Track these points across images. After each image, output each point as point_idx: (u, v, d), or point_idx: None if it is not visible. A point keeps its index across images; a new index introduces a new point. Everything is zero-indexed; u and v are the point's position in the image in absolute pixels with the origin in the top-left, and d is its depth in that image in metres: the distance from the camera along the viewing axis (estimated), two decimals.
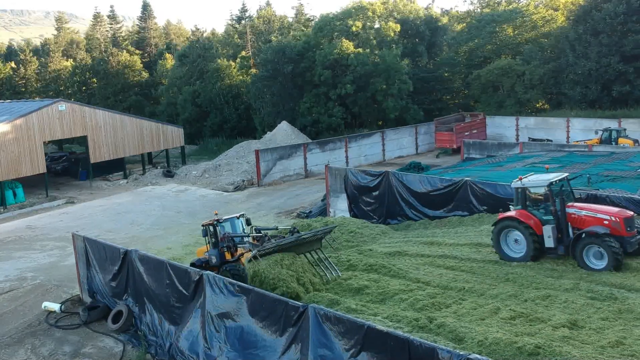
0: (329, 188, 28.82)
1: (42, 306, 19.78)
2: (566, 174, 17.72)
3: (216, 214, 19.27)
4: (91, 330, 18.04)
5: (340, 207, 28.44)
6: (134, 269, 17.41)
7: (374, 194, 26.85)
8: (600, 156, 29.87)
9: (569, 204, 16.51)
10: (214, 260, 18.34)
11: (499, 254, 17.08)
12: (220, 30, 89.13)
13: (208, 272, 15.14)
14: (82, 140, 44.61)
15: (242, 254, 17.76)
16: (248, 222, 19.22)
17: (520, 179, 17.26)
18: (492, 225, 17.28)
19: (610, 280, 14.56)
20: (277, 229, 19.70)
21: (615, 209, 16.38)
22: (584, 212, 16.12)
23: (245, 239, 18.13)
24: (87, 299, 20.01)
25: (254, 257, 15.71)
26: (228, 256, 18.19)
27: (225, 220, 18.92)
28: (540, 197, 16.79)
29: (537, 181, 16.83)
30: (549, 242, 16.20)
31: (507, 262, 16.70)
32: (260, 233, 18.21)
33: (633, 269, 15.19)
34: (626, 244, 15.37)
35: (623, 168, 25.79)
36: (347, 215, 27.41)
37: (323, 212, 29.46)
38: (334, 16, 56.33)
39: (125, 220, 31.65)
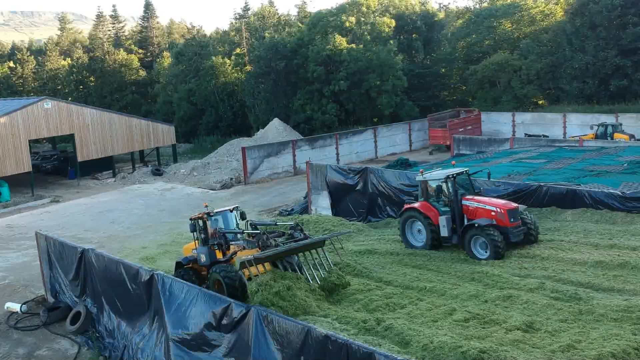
0: (309, 185, 28.21)
1: (5, 307, 19.32)
2: (466, 169, 18.44)
3: (206, 206, 17.12)
4: (49, 331, 17.57)
5: (321, 204, 27.81)
6: (91, 268, 16.91)
7: (354, 190, 26.21)
8: (589, 151, 29.08)
9: (468, 197, 17.30)
10: (202, 259, 16.48)
11: (404, 242, 18.22)
12: (224, 28, 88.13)
13: (159, 271, 14.60)
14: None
15: (235, 253, 15.99)
16: (242, 216, 17.23)
17: (422, 172, 18.56)
18: (398, 216, 18.39)
19: (577, 279, 13.89)
20: (276, 224, 17.68)
21: (502, 202, 17.20)
22: (475, 205, 16.91)
23: (239, 236, 16.14)
24: (51, 299, 19.56)
25: (249, 262, 13.86)
26: (219, 255, 16.30)
27: (217, 213, 16.93)
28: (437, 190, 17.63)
29: (436, 175, 17.82)
30: (444, 232, 17.14)
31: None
32: (257, 229, 16.25)
33: (603, 267, 14.47)
34: (510, 234, 16.23)
35: (610, 163, 25.03)
36: (329, 212, 26.81)
37: (305, 209, 28.85)
38: (327, 12, 55.61)
39: (106, 219, 31.19)
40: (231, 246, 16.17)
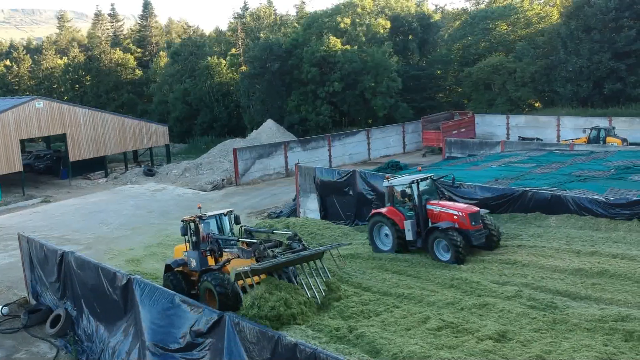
0: (298, 188, 28.13)
1: None
2: (431, 174, 18.87)
3: (199, 208, 16.70)
4: (29, 334, 17.50)
5: (310, 207, 27.73)
6: (71, 271, 16.84)
7: (342, 193, 26.10)
8: (579, 155, 28.98)
9: (433, 201, 17.73)
10: (192, 263, 15.81)
11: (372, 247, 18.40)
12: (223, 28, 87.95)
13: (136, 275, 14.53)
14: None
15: (228, 261, 15.11)
16: (237, 221, 16.43)
17: (388, 178, 18.81)
18: (367, 221, 18.63)
19: (556, 287, 13.80)
20: (272, 232, 16.62)
21: (463, 206, 17.55)
22: (439, 209, 17.33)
23: (234, 243, 15.33)
24: (33, 302, 19.48)
25: (245, 274, 13.24)
26: (211, 261, 15.55)
27: (210, 217, 16.19)
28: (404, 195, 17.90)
29: (401, 181, 18.09)
30: (409, 236, 17.43)
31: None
32: (252, 236, 15.29)
33: (582, 275, 14.38)
34: (471, 236, 16.55)
35: (598, 168, 24.90)
36: (317, 215, 26.72)
37: (294, 212, 28.77)
38: (322, 12, 55.51)
39: (95, 219, 31.13)
40: (224, 253, 15.47)
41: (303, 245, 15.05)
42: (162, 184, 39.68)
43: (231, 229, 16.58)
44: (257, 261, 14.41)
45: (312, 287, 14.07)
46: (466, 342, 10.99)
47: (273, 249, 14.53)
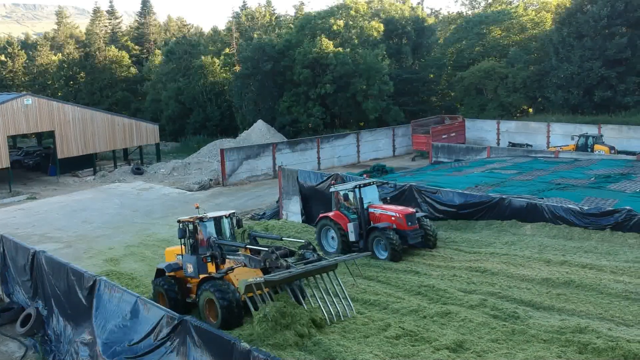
0: (281, 190, 28.11)
1: None
2: (374, 180, 20.68)
3: (197, 208, 15.10)
4: (0, 333, 17.44)
5: (292, 209, 27.70)
6: (42, 270, 16.81)
7: (324, 196, 26.05)
8: (563, 163, 29.01)
9: (375, 205, 18.92)
10: (189, 269, 14.57)
11: (320, 249, 18.98)
12: (221, 27, 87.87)
13: (102, 277, 14.50)
14: None
15: (231, 269, 13.81)
16: (239, 224, 15.24)
17: (333, 184, 20.43)
18: (314, 225, 19.72)
19: (521, 297, 13.82)
20: (281, 239, 15.48)
21: (401, 208, 18.80)
22: (379, 211, 18.56)
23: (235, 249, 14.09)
24: (7, 300, 19.44)
25: (257, 286, 12.09)
26: (211, 268, 14.20)
27: (209, 219, 14.81)
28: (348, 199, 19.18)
29: (345, 186, 19.48)
30: (352, 237, 18.53)
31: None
32: (258, 245, 14.13)
33: (549, 284, 14.39)
34: (408, 236, 17.85)
35: (579, 176, 24.94)
36: (299, 218, 26.69)
37: (277, 214, 28.74)
38: (316, 14, 55.48)
39: (79, 218, 31.06)
40: (227, 260, 14.12)
41: (318, 255, 14.08)
42: (149, 183, 39.62)
43: (233, 234, 15.31)
44: (264, 272, 13.18)
45: (328, 304, 12.97)
46: (422, 351, 10.99)
47: (286, 259, 13.19)
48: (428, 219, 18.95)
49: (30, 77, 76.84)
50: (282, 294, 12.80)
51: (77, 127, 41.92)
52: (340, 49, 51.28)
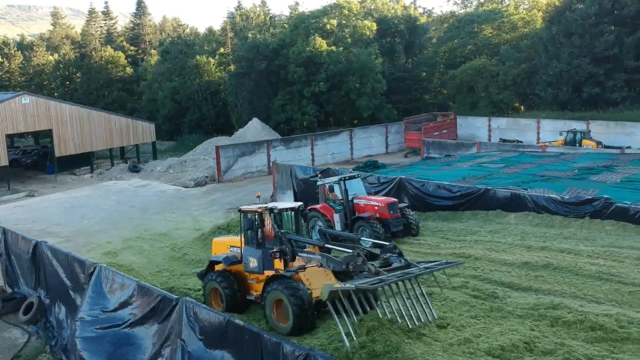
0: (275, 185, 28.81)
1: None
2: (357, 173, 21.79)
3: (258, 197, 14.13)
4: (3, 321, 18.07)
5: None
6: (44, 260, 17.46)
7: (317, 191, 26.76)
8: (549, 157, 29.82)
9: (360, 196, 19.84)
10: (252, 263, 13.28)
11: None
12: (216, 27, 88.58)
13: (102, 264, 15.16)
14: None
15: (303, 268, 12.52)
16: (305, 218, 14.66)
17: (319, 176, 21.57)
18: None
19: (501, 279, 14.51)
20: (359, 239, 14.40)
21: (383, 198, 20.06)
22: (364, 202, 19.55)
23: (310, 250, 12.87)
24: (9, 290, 20.08)
25: (344, 292, 10.66)
26: (278, 265, 12.88)
27: (279, 210, 13.56)
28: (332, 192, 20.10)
29: (330, 179, 20.43)
30: (338, 227, 19.36)
31: None
32: (327, 240, 13.15)
33: (529, 267, 15.11)
34: (390, 224, 18.78)
35: (563, 169, 25.75)
36: None
37: None
38: (310, 14, 56.22)
39: (77, 214, 31.65)
40: (298, 257, 12.77)
41: (406, 261, 12.15)
42: (146, 180, 40.25)
43: (298, 228, 14.11)
44: (339, 276, 11.95)
45: (413, 317, 11.35)
46: (403, 326, 11.64)
47: (374, 264, 11.77)
48: (410, 209, 19.88)
49: (27, 78, 77.39)
50: (372, 312, 11.26)
51: (75, 126, 42.53)
52: (333, 47, 52.04)
